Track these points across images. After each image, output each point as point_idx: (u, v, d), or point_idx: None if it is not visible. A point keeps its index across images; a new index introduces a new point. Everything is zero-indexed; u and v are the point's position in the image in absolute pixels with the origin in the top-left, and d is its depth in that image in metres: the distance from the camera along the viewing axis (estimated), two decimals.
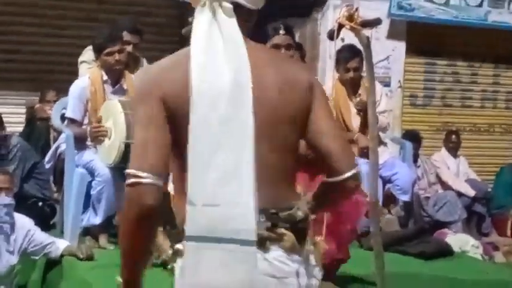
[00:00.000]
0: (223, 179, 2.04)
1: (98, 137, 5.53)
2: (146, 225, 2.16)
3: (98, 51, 5.76)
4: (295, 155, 2.26)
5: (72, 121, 5.81)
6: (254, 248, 2.04)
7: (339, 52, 6.35)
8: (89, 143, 5.73)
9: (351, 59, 6.28)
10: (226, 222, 2.04)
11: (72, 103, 5.79)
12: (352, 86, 6.44)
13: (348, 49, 6.24)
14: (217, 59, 2.11)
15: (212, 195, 2.05)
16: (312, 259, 2.25)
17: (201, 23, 2.17)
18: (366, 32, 4.08)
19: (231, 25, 2.16)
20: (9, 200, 5.29)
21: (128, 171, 2.15)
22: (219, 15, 2.16)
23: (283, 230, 2.14)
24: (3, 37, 8.88)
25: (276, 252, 2.12)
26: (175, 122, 2.12)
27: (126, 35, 6.19)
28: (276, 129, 2.17)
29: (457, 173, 9.39)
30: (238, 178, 2.05)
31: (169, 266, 4.61)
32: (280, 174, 2.20)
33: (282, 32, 4.86)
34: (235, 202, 2.04)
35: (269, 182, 2.13)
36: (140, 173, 2.10)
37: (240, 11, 2.21)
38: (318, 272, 2.26)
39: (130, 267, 2.29)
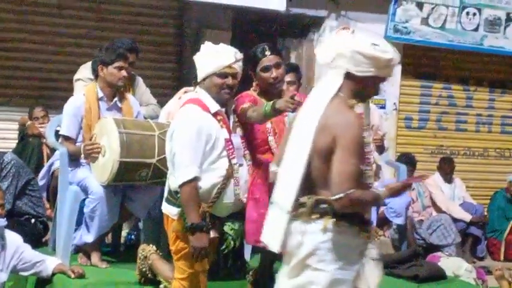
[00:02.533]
0: (286, 176, 3.60)
1: (92, 154, 5.52)
2: None
3: (107, 64, 5.76)
4: (326, 173, 3.48)
5: (66, 138, 5.80)
6: (288, 214, 3.54)
7: None
8: (82, 160, 5.73)
9: None
10: (280, 196, 3.61)
11: (66, 120, 5.78)
12: None
13: None
14: (311, 108, 3.59)
15: (279, 182, 3.65)
16: (310, 228, 3.52)
17: (322, 82, 3.65)
18: None
19: (334, 85, 3.55)
20: (3, 221, 5.28)
21: None
22: (331, 76, 3.58)
23: (302, 209, 3.55)
24: (1, 53, 8.89)
25: (298, 221, 3.55)
26: None
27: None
28: (315, 156, 3.50)
29: (453, 197, 9.39)
30: (293, 176, 3.54)
31: None
32: (316, 180, 3.55)
33: (267, 53, 4.87)
34: (286, 187, 3.57)
35: (309, 183, 3.54)
36: None
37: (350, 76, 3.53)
38: (312, 236, 3.51)
39: None
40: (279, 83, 4.93)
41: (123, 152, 5.29)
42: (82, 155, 5.64)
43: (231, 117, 4.99)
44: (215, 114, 4.48)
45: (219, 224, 4.49)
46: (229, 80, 4.50)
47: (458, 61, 10.23)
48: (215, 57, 4.49)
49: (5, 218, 5.38)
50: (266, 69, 4.84)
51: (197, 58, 4.58)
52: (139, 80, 6.59)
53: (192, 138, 4.32)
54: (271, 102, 4.55)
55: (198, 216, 4.34)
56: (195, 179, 4.33)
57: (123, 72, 5.77)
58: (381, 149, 6.54)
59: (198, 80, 4.55)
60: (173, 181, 4.49)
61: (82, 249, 5.70)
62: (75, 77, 6.45)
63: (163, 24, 9.57)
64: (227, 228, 4.53)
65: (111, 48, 5.97)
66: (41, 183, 6.83)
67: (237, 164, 4.56)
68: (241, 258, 5.46)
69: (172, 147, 4.41)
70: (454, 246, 8.57)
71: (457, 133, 10.47)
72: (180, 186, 4.32)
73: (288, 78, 6.35)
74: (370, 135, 6.25)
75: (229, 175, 4.49)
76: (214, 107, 4.48)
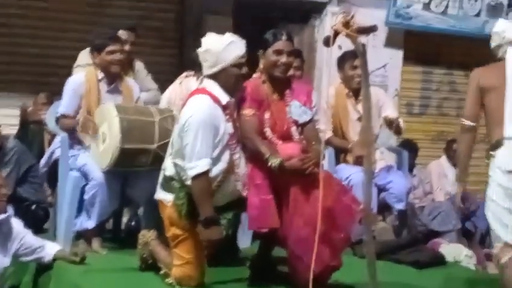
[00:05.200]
0: None
1: (87, 127, 5.48)
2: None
3: (98, 50, 5.73)
4: None
5: (64, 117, 5.76)
6: None
7: (344, 54, 6.34)
8: (84, 143, 5.71)
9: (357, 57, 6.18)
10: None
11: (66, 98, 5.74)
12: (356, 88, 6.35)
13: (352, 51, 6.15)
14: None
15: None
16: None
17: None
18: (362, 39, 4.09)
19: None
20: (11, 211, 5.29)
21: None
22: None
23: None
24: (2, 39, 8.87)
25: None
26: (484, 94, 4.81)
27: (122, 34, 6.18)
28: None
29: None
30: None
31: (167, 279, 4.65)
32: None
33: (284, 37, 4.83)
34: None
35: None
36: (463, 120, 4.93)
37: None
38: None
39: None
40: (286, 71, 4.89)
41: (124, 138, 5.29)
42: (79, 129, 5.61)
43: None
44: (224, 107, 4.50)
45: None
46: (245, 69, 4.55)
47: (459, 47, 10.19)
48: (230, 48, 4.50)
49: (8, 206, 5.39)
50: (278, 52, 4.79)
51: (208, 51, 4.53)
52: (140, 65, 6.56)
53: (205, 130, 4.38)
54: (279, 160, 4.50)
55: (211, 209, 4.36)
56: (208, 172, 4.37)
57: (116, 55, 5.71)
58: (398, 129, 6.48)
59: (210, 73, 4.54)
60: (169, 168, 4.54)
61: (83, 236, 5.70)
62: (75, 64, 6.43)
63: (164, 9, 9.54)
64: (221, 217, 4.54)
65: (101, 33, 5.94)
66: (42, 170, 6.83)
67: (238, 159, 4.57)
68: (234, 246, 5.49)
69: (183, 138, 4.43)
70: (454, 232, 8.56)
71: (458, 119, 10.38)
72: (193, 178, 4.36)
73: (295, 63, 6.34)
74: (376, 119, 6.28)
75: (230, 169, 4.51)
76: (225, 98, 4.50)
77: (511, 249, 4.61)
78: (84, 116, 5.57)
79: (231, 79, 4.53)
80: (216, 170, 4.46)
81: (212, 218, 4.37)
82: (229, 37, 4.59)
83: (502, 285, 4.78)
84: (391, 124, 6.34)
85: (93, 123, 5.49)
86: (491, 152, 4.80)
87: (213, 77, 4.55)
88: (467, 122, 4.93)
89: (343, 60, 6.43)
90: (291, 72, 5.62)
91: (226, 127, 4.52)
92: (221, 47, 4.50)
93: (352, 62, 6.34)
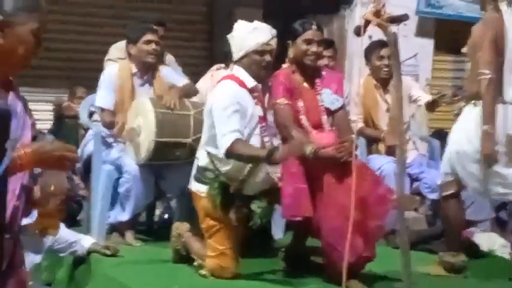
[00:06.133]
0: None
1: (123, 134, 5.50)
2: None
3: (135, 41, 5.74)
4: None
5: (103, 110, 5.76)
6: None
7: (370, 45, 6.32)
8: (116, 140, 5.73)
9: (385, 47, 6.12)
10: None
11: (103, 91, 5.73)
12: (384, 78, 6.34)
13: (380, 40, 6.10)
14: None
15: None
16: None
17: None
18: (393, 28, 4.07)
19: None
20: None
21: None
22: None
23: None
24: None
25: None
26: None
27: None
28: None
29: None
30: None
31: (200, 271, 4.65)
32: None
33: (314, 27, 4.86)
34: None
35: None
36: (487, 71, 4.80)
37: None
38: None
39: None
40: (316, 60, 4.91)
41: (159, 132, 5.32)
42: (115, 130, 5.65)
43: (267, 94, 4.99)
44: (251, 91, 4.52)
45: (247, 202, 4.50)
46: (268, 57, 4.56)
47: None
48: (254, 34, 4.55)
49: None
50: (308, 41, 4.83)
51: (233, 37, 4.62)
52: (171, 59, 6.58)
53: (232, 109, 4.41)
54: (314, 148, 4.50)
55: (261, 150, 4.38)
56: (237, 140, 4.35)
57: (153, 45, 5.72)
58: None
59: (236, 59, 4.59)
60: (202, 158, 4.55)
61: (116, 228, 5.73)
62: (106, 57, 6.46)
63: (194, 2, 9.57)
64: (254, 206, 4.53)
65: (136, 25, 5.96)
66: (77, 165, 6.87)
67: (269, 142, 4.58)
68: (268, 237, 5.49)
69: (213, 119, 4.48)
70: (488, 222, 8.49)
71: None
72: (227, 153, 4.37)
73: (328, 53, 6.34)
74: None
75: None
76: (251, 82, 4.53)
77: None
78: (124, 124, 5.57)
79: (254, 65, 4.57)
80: None
81: (268, 152, 4.25)
82: (255, 24, 4.62)
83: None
84: (435, 105, 6.38)
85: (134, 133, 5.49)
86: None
87: (239, 62, 4.61)
88: (492, 75, 4.87)
89: (369, 51, 6.40)
90: (324, 62, 5.64)
91: (255, 110, 4.54)
92: (246, 32, 4.56)
93: (378, 52, 6.32)
